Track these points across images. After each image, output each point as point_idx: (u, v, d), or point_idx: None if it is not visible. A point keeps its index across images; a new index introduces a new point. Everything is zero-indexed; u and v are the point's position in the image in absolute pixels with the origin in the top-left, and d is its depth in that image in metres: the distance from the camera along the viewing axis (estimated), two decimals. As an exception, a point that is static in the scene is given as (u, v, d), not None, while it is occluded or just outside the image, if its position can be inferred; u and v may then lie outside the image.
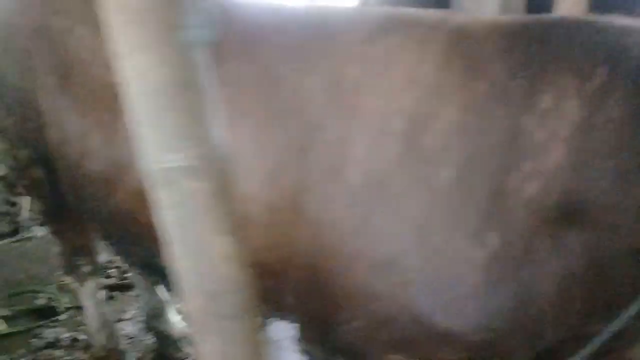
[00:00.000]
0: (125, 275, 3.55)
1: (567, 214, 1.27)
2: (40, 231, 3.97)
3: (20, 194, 4.00)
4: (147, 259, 1.96)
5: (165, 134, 0.95)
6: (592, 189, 1.24)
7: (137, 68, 0.90)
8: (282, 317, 1.68)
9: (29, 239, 4.00)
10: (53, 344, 3.09)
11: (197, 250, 1.04)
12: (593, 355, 1.29)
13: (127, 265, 3.58)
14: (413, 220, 1.36)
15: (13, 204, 3.99)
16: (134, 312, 3.34)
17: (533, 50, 1.34)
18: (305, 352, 1.71)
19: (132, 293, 3.45)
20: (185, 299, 1.10)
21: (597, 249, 1.27)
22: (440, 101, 1.36)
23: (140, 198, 1.71)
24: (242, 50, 1.60)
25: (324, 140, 1.45)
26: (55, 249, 3.90)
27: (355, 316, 1.45)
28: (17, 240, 3.97)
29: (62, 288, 3.49)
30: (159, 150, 0.96)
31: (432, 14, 1.53)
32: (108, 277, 3.54)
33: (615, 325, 1.23)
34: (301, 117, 1.49)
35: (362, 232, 1.40)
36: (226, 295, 1.08)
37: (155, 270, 1.97)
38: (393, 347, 1.47)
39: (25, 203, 4.02)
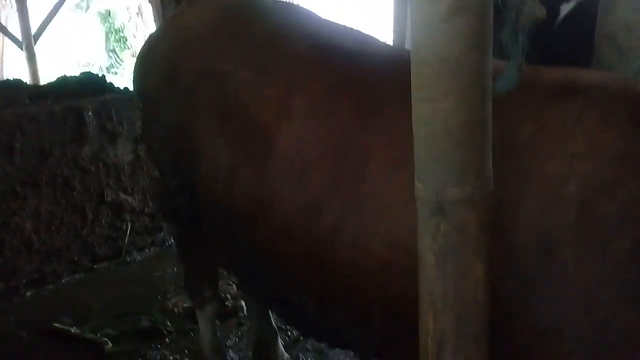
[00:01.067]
0: (226, 304, 3.66)
1: None
2: (140, 255, 4.16)
3: (124, 220, 4.20)
4: (276, 293, 2.04)
5: (452, 170, 1.08)
6: None
7: (442, 110, 1.05)
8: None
9: (130, 262, 4.18)
10: (159, 365, 3.22)
11: (456, 275, 1.16)
12: None
13: (230, 293, 3.72)
14: (580, 291, 1.31)
15: (117, 228, 4.18)
16: (234, 339, 3.44)
17: None
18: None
19: (232, 321, 3.56)
20: (432, 318, 1.21)
21: None
22: (624, 171, 1.33)
23: (280, 234, 1.82)
24: None
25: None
26: (154, 273, 4.12)
27: None
28: (119, 264, 4.16)
29: (165, 312, 3.62)
30: (442, 184, 1.10)
31: (614, 78, 1.54)
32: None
33: None
34: None
35: (521, 297, 1.36)
36: (473, 317, 1.18)
37: (281, 305, 2.06)
38: None
39: (128, 228, 4.22)
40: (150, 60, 2.44)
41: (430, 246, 1.16)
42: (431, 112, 1.07)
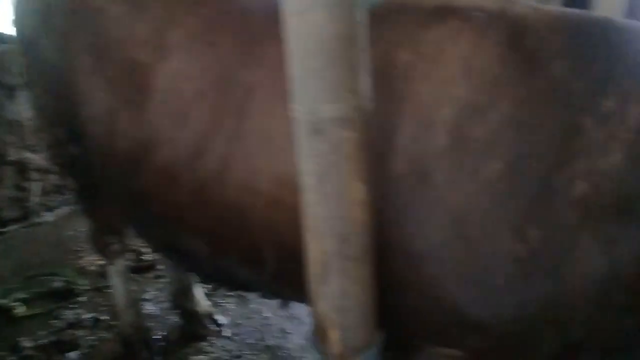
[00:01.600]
0: (142, 257, 3.59)
1: (617, 215, 1.30)
2: (50, 216, 3.97)
3: (30, 180, 3.99)
4: (169, 241, 1.98)
5: (327, 87, 1.06)
6: None
7: (309, 24, 1.01)
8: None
9: (39, 224, 3.99)
10: (75, 325, 3.11)
11: (335, 196, 1.15)
12: None
13: (146, 247, 3.64)
14: (454, 212, 1.35)
15: (23, 189, 3.97)
16: (154, 292, 3.38)
17: (599, 51, 1.36)
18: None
19: (150, 275, 3.49)
20: (315, 242, 1.21)
21: None
22: (496, 94, 1.35)
23: (165, 179, 1.75)
24: None
25: None
26: (66, 233, 3.95)
27: (387, 304, 1.44)
28: (28, 225, 3.96)
29: (79, 271, 3.51)
30: (317, 102, 1.07)
31: (491, 1, 1.51)
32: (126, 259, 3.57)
33: None
34: None
35: (399, 222, 1.38)
36: (355, 237, 1.19)
37: (175, 252, 2.01)
38: (422, 335, 1.50)
39: (35, 188, 4.00)
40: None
41: (309, 168, 1.14)
42: (302, 25, 1.03)
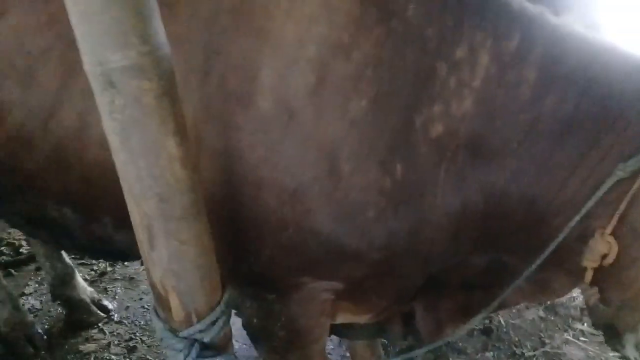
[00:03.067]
0: (21, 250, 3.36)
1: (470, 155, 1.40)
2: None
3: None
4: (34, 214, 1.83)
5: (111, 32, 0.96)
6: (500, 136, 1.37)
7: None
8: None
9: None
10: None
11: (145, 154, 1.07)
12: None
13: (25, 239, 3.40)
14: (323, 149, 1.39)
15: None
16: (35, 286, 3.18)
17: (451, 2, 1.40)
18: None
19: (30, 267, 3.28)
20: (135, 205, 1.13)
21: (497, 191, 1.41)
22: (357, 33, 1.38)
23: (19, 145, 1.62)
24: None
25: (228, 66, 1.40)
26: None
27: (266, 243, 1.48)
28: None
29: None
30: (104, 51, 0.97)
31: None
32: (1, 254, 3.33)
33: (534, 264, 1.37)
34: (201, 40, 1.42)
35: (270, 161, 1.39)
36: (177, 196, 1.12)
37: (42, 226, 1.87)
38: (302, 270, 1.53)
39: None
40: None
41: (110, 126, 1.05)
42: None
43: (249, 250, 1.51)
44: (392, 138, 1.39)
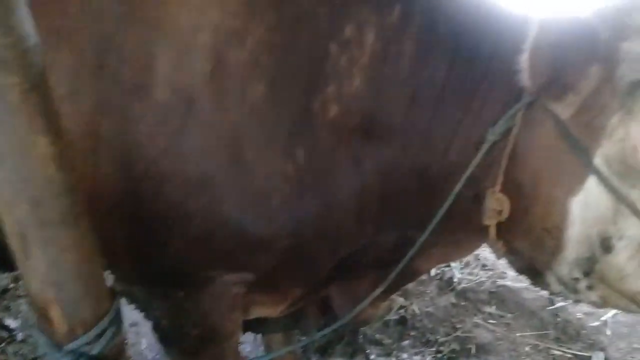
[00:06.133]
0: None
1: (364, 135, 1.42)
2: None
3: None
4: None
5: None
6: (386, 112, 1.41)
7: None
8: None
9: None
10: None
11: (15, 154, 0.98)
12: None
13: None
14: (225, 136, 1.38)
15: None
16: None
17: None
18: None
19: None
20: (6, 211, 1.04)
21: (391, 167, 1.45)
22: (249, 18, 1.37)
23: None
24: None
25: (123, 58, 1.37)
26: None
27: (172, 237, 1.45)
28: None
29: None
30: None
31: None
32: None
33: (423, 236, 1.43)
34: (94, 33, 1.38)
35: (171, 152, 1.37)
36: (52, 200, 1.04)
37: None
38: (211, 263, 1.51)
39: None
40: None
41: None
42: None
43: (156, 246, 1.47)
44: (293, 123, 1.39)
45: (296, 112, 1.39)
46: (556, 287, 1.45)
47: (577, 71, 1.25)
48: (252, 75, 1.37)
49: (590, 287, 1.38)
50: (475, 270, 3.31)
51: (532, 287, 2.48)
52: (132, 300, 1.70)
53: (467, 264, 3.39)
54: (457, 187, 1.39)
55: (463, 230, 1.56)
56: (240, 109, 1.37)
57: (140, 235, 1.46)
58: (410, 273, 1.75)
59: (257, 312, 1.80)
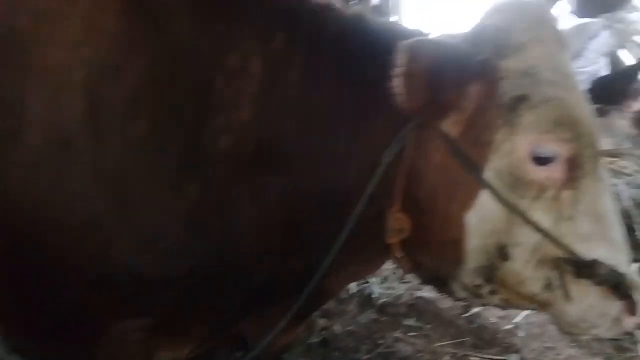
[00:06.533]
0: None
1: (261, 164, 1.40)
2: None
3: None
4: None
5: None
6: (280, 141, 1.40)
7: None
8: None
9: None
10: None
11: None
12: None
13: None
14: (109, 177, 1.31)
15: None
16: None
17: (219, 8, 1.40)
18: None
19: None
20: None
21: (291, 194, 1.44)
22: (126, 53, 1.33)
23: None
24: None
25: None
26: None
27: (64, 285, 1.36)
28: None
29: None
30: None
31: None
32: None
33: (325, 264, 1.43)
34: None
35: (51, 197, 1.29)
36: None
37: None
38: (107, 310, 1.43)
39: None
40: None
41: None
42: None
43: (48, 296, 1.37)
44: (181, 158, 1.34)
45: (184, 146, 1.34)
46: (461, 293, 1.50)
47: (457, 91, 1.30)
48: (132, 112, 1.31)
49: (492, 292, 1.44)
50: (394, 284, 3.35)
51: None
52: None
53: (385, 278, 3.43)
54: (357, 210, 1.39)
55: (369, 248, 1.57)
56: (121, 148, 1.30)
57: (30, 287, 1.36)
58: (322, 295, 1.74)
59: (163, 356, 1.70)
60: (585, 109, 1.33)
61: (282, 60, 1.38)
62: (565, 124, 1.28)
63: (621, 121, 5.36)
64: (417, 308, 3.21)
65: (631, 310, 1.36)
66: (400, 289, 3.31)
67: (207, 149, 1.35)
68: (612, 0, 5.42)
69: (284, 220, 1.46)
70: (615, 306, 1.37)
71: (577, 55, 5.53)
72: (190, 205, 1.34)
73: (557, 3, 5.98)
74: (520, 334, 3.05)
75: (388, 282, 3.37)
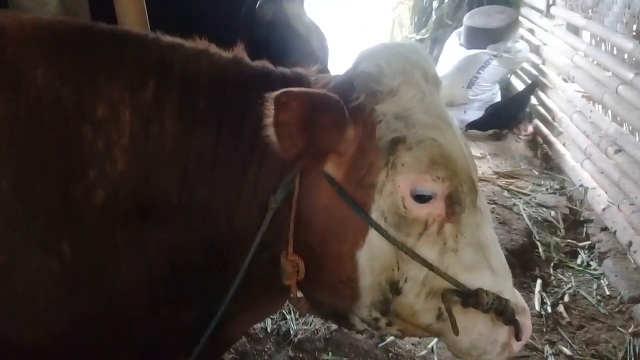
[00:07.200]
0: None
1: (139, 217, 1.37)
2: None
3: None
4: None
5: None
6: (159, 191, 1.37)
7: None
8: None
9: None
10: None
11: None
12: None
13: None
14: None
15: None
16: None
17: (83, 57, 1.36)
18: None
19: None
20: None
21: (176, 246, 1.41)
22: None
23: None
24: None
25: None
26: None
27: None
28: None
29: None
30: None
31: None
32: None
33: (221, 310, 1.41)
34: None
35: None
36: None
37: None
38: None
39: None
40: None
41: None
42: None
43: None
44: (51, 216, 1.29)
45: (54, 203, 1.29)
46: (361, 326, 1.53)
47: (332, 136, 1.32)
48: None
49: (389, 324, 1.48)
50: (310, 319, 3.34)
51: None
52: None
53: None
54: (248, 259, 1.39)
55: (267, 291, 1.57)
56: None
57: None
58: (224, 341, 1.71)
59: None
60: (459, 147, 1.39)
61: (153, 109, 1.36)
62: (439, 163, 1.33)
63: (517, 144, 5.70)
64: (334, 341, 3.20)
65: (518, 335, 1.43)
66: (316, 323, 3.30)
67: (80, 205, 1.30)
68: (497, 31, 5.84)
69: (171, 272, 1.42)
70: (502, 332, 1.43)
71: (471, 83, 5.86)
72: (64, 264, 1.29)
73: (448, 37, 6.37)
74: (435, 358, 3.12)
75: (304, 318, 3.35)
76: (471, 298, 1.36)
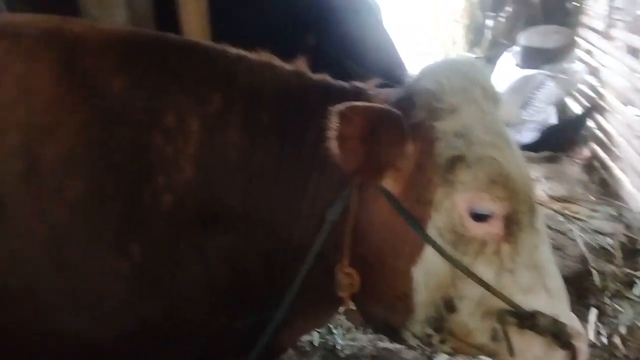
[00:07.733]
0: None
1: (203, 224, 1.41)
2: None
3: None
4: None
5: None
6: (224, 201, 1.42)
7: None
8: None
9: None
10: None
11: None
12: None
13: None
14: (44, 241, 1.30)
15: None
16: None
17: (155, 68, 1.44)
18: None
19: None
20: None
21: (237, 253, 1.45)
22: (61, 114, 1.35)
23: None
24: None
25: None
26: None
27: (5, 351, 1.34)
28: None
29: None
30: None
31: (47, 19, 1.49)
32: None
33: (277, 318, 1.44)
34: None
35: None
36: None
37: None
38: None
39: None
40: None
41: None
42: None
43: None
44: (122, 217, 1.34)
45: (124, 206, 1.34)
46: (413, 341, 1.52)
47: (392, 152, 1.34)
48: (69, 172, 1.32)
49: (442, 341, 1.47)
50: (357, 335, 3.33)
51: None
52: None
53: (348, 330, 3.41)
54: (305, 269, 1.41)
55: (320, 302, 1.60)
56: (58, 208, 1.30)
57: None
58: (274, 351, 1.73)
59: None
60: (518, 166, 1.39)
61: (220, 120, 1.41)
62: (499, 182, 1.33)
63: (572, 167, 5.55)
64: (380, 359, 3.19)
65: (574, 359, 1.41)
66: (363, 340, 3.30)
67: (150, 209, 1.35)
68: (554, 52, 5.73)
69: (231, 279, 1.46)
70: (558, 356, 1.41)
71: (526, 104, 5.76)
72: (133, 265, 1.34)
73: (502, 57, 6.30)
74: (483, 381, 3.06)
75: (351, 334, 3.35)
76: (527, 320, 1.35)
